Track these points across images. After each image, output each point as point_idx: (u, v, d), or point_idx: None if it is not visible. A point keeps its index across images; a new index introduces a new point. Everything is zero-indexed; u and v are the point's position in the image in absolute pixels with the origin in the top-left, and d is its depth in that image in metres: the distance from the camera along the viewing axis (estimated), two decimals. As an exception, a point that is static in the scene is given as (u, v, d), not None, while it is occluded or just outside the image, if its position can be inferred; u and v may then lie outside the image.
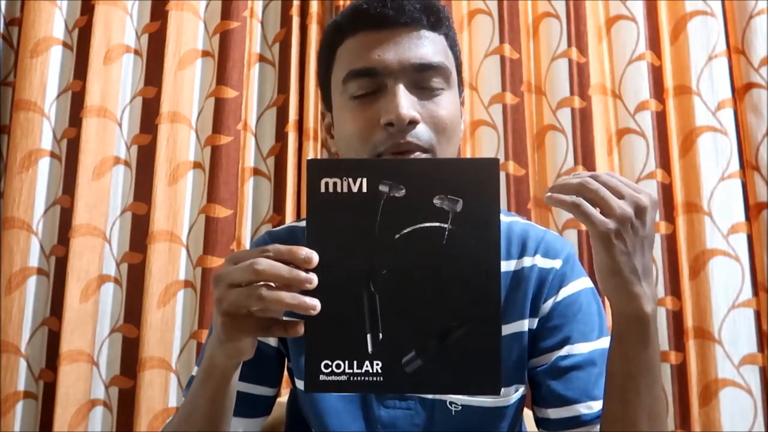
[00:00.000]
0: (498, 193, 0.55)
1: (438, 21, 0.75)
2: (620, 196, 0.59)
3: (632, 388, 0.64)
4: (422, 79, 0.72)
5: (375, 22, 0.73)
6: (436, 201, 0.54)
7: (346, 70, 0.74)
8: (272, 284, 0.53)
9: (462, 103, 0.82)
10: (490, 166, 0.54)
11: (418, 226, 0.54)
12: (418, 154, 0.70)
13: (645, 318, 0.61)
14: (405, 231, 0.54)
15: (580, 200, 0.58)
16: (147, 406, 1.37)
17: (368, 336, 0.54)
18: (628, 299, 0.60)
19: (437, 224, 0.54)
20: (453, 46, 0.78)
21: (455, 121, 0.75)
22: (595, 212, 0.59)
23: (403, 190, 0.54)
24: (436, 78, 0.73)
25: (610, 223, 0.58)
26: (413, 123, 0.70)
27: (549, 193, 0.60)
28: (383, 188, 0.54)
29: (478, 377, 0.54)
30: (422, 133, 0.71)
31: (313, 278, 0.53)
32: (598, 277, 0.62)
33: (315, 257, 0.53)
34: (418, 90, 0.72)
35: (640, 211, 0.59)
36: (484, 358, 0.54)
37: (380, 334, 0.54)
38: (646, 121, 1.42)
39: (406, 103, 0.70)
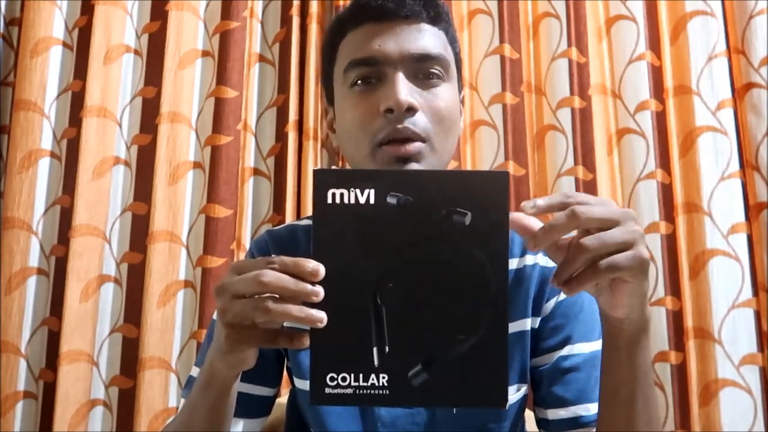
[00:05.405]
0: (507, 206, 0.53)
1: (438, 15, 0.76)
2: (614, 223, 0.53)
3: (640, 397, 0.63)
4: (421, 69, 0.73)
5: (376, 14, 0.74)
6: (445, 214, 0.53)
7: (348, 61, 0.75)
8: (276, 296, 0.52)
9: (462, 102, 0.82)
10: (500, 179, 0.53)
11: (425, 238, 0.53)
12: (417, 145, 0.71)
13: (649, 323, 0.61)
14: (412, 243, 0.53)
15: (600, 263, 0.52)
16: (147, 406, 1.37)
17: (374, 349, 0.53)
18: (642, 310, 0.58)
19: (445, 237, 0.53)
20: (452, 42, 0.79)
21: (454, 113, 0.75)
22: (620, 257, 0.53)
23: (411, 202, 0.53)
24: (435, 69, 0.74)
25: (644, 252, 0.53)
26: (412, 110, 0.70)
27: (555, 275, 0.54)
28: (391, 200, 0.53)
29: (484, 390, 0.54)
30: (420, 121, 0.71)
31: (320, 291, 0.52)
32: (617, 302, 0.57)
33: (322, 270, 0.52)
34: (417, 80, 0.73)
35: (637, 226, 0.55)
36: (491, 371, 0.54)
37: (386, 347, 0.53)
38: (646, 121, 1.42)
39: (405, 90, 0.70)
